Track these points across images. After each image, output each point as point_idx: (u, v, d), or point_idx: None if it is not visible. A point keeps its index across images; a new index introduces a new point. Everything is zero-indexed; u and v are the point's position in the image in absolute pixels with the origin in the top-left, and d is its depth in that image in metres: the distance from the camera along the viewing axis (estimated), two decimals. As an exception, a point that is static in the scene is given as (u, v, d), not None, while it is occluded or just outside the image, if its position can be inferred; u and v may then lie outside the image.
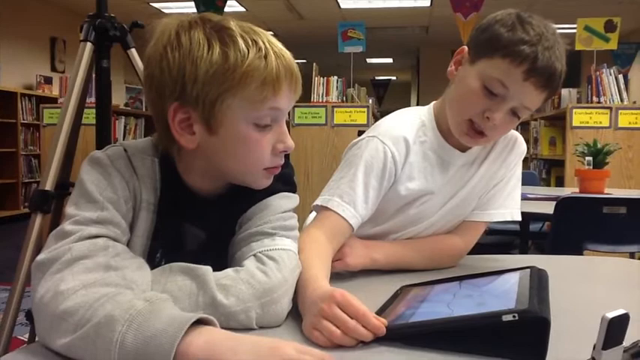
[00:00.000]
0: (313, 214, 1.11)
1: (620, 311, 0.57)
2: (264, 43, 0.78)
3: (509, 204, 1.19)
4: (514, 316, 0.66)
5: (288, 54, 0.81)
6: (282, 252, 0.82)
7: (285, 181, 0.90)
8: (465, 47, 1.09)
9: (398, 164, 1.09)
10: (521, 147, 1.22)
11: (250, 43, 0.77)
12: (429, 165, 1.13)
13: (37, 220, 1.54)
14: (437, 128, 1.14)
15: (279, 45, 0.81)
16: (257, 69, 0.76)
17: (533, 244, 3.13)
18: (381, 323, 0.71)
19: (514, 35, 0.99)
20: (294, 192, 0.92)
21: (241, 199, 0.86)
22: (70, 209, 0.77)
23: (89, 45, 1.64)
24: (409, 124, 1.14)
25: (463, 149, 1.14)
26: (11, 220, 6.47)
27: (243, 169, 0.83)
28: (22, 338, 2.40)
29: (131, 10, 7.34)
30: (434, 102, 1.19)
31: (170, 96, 0.77)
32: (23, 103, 7.09)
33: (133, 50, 1.70)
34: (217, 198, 0.87)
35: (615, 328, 0.56)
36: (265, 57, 0.77)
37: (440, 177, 1.14)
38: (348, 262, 1.04)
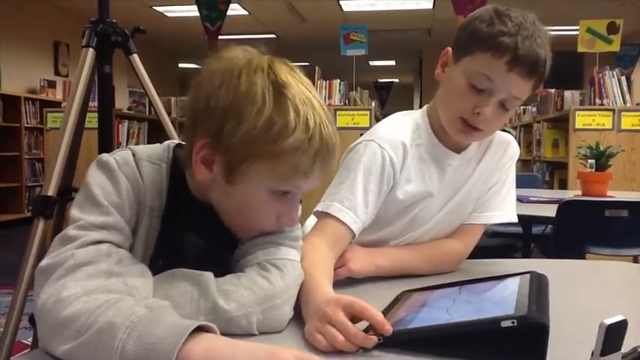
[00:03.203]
0: (312, 218, 1.11)
1: (619, 317, 0.57)
2: (315, 121, 0.76)
3: (505, 206, 1.20)
4: (513, 322, 0.66)
5: (333, 137, 0.78)
6: (286, 262, 0.82)
7: None
8: (449, 49, 1.10)
9: (396, 168, 1.10)
10: (514, 149, 1.23)
11: (302, 118, 0.74)
12: (425, 167, 1.14)
13: (40, 226, 1.54)
14: (431, 131, 1.15)
15: (329, 125, 0.78)
16: (296, 150, 0.74)
17: (536, 247, 3.12)
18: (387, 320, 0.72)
19: (493, 29, 1.00)
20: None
21: None
22: (74, 212, 0.77)
23: (91, 51, 1.64)
24: (405, 127, 1.14)
25: (458, 150, 1.15)
26: (15, 223, 6.49)
27: (242, 225, 0.83)
28: (25, 342, 2.41)
29: (133, 14, 7.37)
30: (427, 105, 1.20)
31: (204, 132, 0.76)
32: (27, 107, 7.13)
33: (135, 56, 1.70)
34: None
35: (613, 335, 0.56)
36: (310, 139, 0.75)
37: (437, 179, 1.15)
38: (351, 267, 1.04)
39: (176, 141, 0.89)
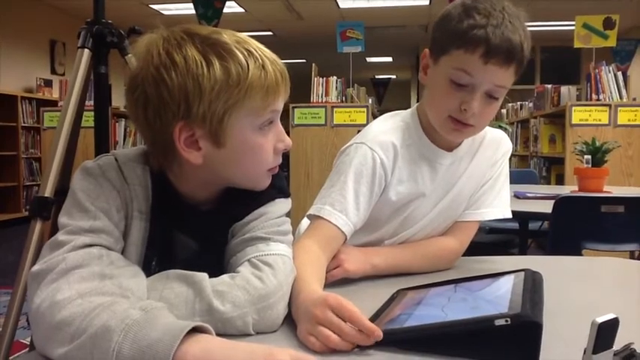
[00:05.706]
0: (306, 220, 1.12)
1: (610, 316, 0.57)
2: (256, 51, 0.79)
3: (499, 202, 1.20)
4: (506, 321, 0.67)
5: (276, 57, 0.82)
6: (277, 257, 0.82)
7: (279, 189, 0.91)
8: (427, 50, 1.10)
9: (387, 170, 1.10)
10: (507, 145, 1.23)
11: (247, 54, 0.78)
12: (417, 167, 1.14)
13: (37, 227, 1.54)
14: (421, 130, 1.15)
15: (266, 49, 0.82)
16: (259, 80, 0.78)
17: (534, 242, 3.13)
18: (376, 326, 0.71)
19: (462, 25, 1.00)
20: (287, 197, 0.93)
21: (234, 208, 0.87)
22: (62, 219, 0.78)
23: (87, 51, 1.64)
24: (395, 128, 1.15)
25: (449, 149, 1.15)
26: (13, 223, 6.48)
27: (250, 174, 0.85)
28: (24, 342, 2.41)
29: (129, 13, 7.34)
30: (416, 104, 1.20)
31: (174, 117, 0.77)
32: (24, 106, 7.12)
33: (131, 56, 1.70)
34: (210, 207, 0.88)
35: (605, 333, 0.57)
36: (263, 66, 0.79)
37: (429, 178, 1.15)
38: (347, 267, 1.04)
39: None
